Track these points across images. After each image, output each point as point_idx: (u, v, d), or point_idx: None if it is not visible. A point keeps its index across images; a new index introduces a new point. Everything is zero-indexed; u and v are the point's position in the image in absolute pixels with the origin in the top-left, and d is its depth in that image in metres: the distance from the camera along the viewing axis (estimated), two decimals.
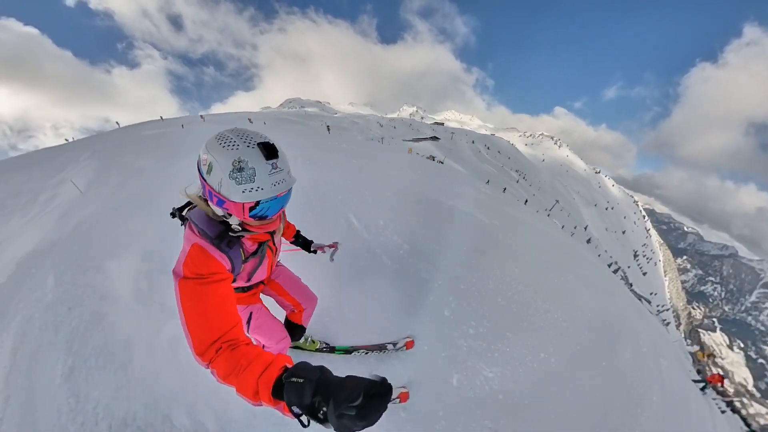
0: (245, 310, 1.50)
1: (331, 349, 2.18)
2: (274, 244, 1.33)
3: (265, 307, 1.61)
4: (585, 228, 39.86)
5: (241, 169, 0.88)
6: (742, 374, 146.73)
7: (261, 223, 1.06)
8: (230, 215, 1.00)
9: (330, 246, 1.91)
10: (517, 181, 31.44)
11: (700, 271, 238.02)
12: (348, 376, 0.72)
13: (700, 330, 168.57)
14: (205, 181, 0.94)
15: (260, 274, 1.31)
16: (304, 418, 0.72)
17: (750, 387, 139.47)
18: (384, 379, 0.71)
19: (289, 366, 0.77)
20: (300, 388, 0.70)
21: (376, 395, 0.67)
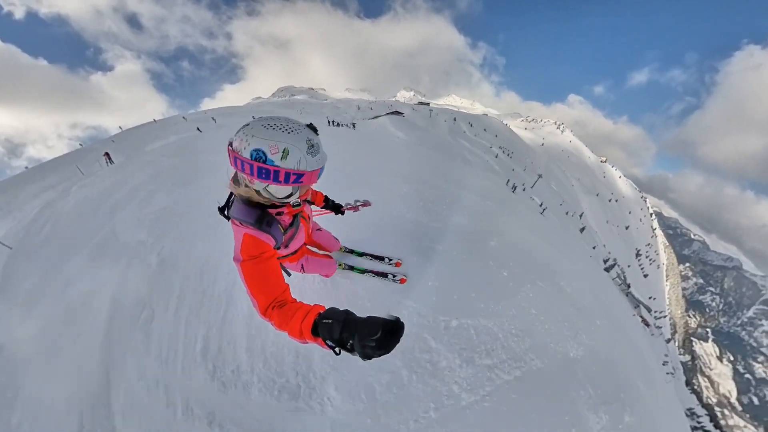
0: (298, 263, 2.02)
1: (351, 267, 2.79)
2: (305, 213, 1.68)
3: (311, 253, 2.22)
4: (580, 216, 35.46)
5: (312, 146, 1.16)
6: (728, 386, 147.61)
7: (301, 188, 1.33)
8: (297, 190, 1.28)
9: (363, 204, 2.41)
10: (497, 156, 28.02)
11: (701, 280, 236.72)
12: (369, 317, 0.97)
13: (693, 339, 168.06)
14: (278, 168, 1.11)
15: (298, 242, 1.71)
16: (337, 349, 0.99)
17: (733, 399, 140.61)
18: (398, 319, 0.94)
19: (322, 312, 1.07)
20: (331, 327, 0.98)
21: (391, 331, 0.91)
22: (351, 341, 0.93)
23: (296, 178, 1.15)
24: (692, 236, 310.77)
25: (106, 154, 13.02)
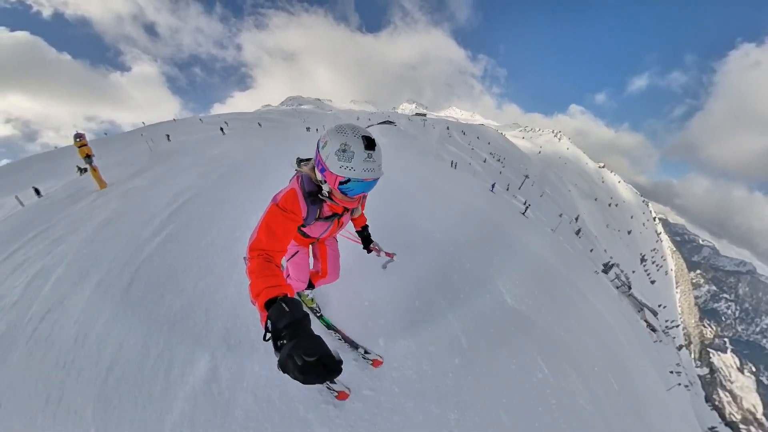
0: (295, 247, 2.05)
1: (320, 316, 2.59)
2: (342, 219, 1.76)
3: (308, 255, 2.18)
4: (576, 219, 33.87)
5: (344, 151, 1.25)
6: (752, 400, 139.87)
7: (343, 198, 1.44)
8: (324, 182, 1.40)
9: (387, 254, 2.20)
10: (485, 160, 27.79)
11: (713, 287, 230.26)
12: (318, 337, 0.89)
13: (710, 350, 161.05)
14: (319, 152, 1.34)
15: (318, 233, 1.78)
16: (267, 335, 0.94)
17: (759, 415, 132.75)
18: (341, 362, 0.87)
19: (289, 297, 1.02)
20: (281, 314, 0.93)
21: (325, 366, 0.83)
22: (284, 342, 0.87)
23: (321, 168, 1.33)
24: (701, 242, 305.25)
25: (167, 135, 18.81)
